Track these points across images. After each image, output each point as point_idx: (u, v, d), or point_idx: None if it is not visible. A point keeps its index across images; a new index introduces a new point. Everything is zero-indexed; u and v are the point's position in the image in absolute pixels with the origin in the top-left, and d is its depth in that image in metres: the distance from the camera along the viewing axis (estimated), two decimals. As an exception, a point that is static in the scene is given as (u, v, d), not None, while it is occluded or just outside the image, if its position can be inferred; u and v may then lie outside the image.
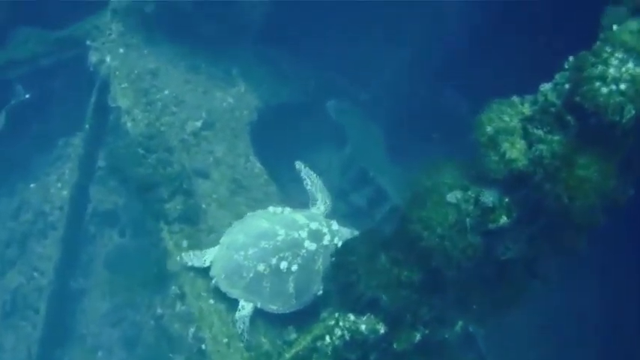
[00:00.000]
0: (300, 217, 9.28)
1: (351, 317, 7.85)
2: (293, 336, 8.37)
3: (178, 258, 9.31)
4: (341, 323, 7.86)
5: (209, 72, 12.35)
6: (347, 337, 7.83)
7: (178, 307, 9.37)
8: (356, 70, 14.11)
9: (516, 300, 8.14)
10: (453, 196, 7.20)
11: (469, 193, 7.19)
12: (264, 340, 8.84)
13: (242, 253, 8.82)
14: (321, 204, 9.79)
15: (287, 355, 8.11)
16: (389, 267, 7.52)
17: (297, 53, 13.69)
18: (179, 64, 12.32)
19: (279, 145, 12.94)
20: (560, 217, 7.10)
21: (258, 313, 8.82)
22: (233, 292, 8.82)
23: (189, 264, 9.19)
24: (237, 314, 8.74)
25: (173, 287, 9.46)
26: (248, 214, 9.63)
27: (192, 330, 9.03)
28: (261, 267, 8.67)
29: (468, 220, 7.15)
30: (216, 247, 9.25)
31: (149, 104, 11.24)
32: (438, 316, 7.95)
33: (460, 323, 8.25)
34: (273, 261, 8.66)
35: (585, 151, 6.78)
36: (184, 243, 9.62)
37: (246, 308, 8.73)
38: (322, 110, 13.86)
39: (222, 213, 10.32)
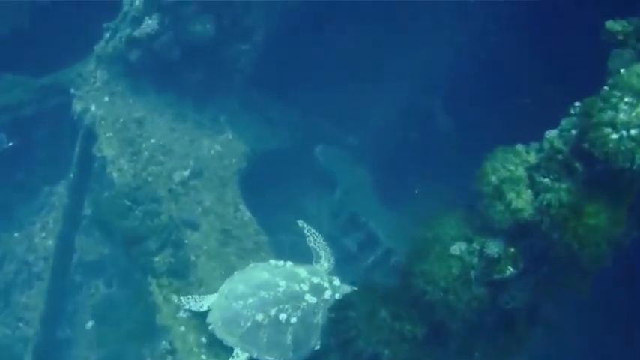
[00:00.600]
0: (302, 270, 8.91)
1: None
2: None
3: (177, 300, 9.01)
4: (342, 381, 7.47)
5: (196, 120, 11.97)
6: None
7: (170, 364, 8.90)
8: (343, 114, 13.80)
9: (520, 347, 7.74)
10: (456, 248, 6.84)
11: (473, 244, 6.83)
12: None
13: (241, 302, 8.44)
14: (325, 261, 9.40)
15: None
16: (390, 322, 7.11)
17: (284, 100, 13.38)
18: (165, 112, 11.92)
19: (269, 193, 12.60)
20: (567, 264, 6.77)
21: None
22: (229, 340, 8.42)
23: (187, 307, 8.91)
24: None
25: (163, 342, 9.01)
26: (250, 264, 9.26)
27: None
28: (259, 316, 8.29)
29: (472, 272, 6.78)
30: (215, 295, 8.89)
31: (135, 154, 10.83)
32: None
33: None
34: (273, 312, 8.29)
35: (594, 199, 6.45)
36: (174, 297, 9.17)
37: (240, 356, 8.37)
38: (310, 156, 13.58)
39: (211, 265, 9.90)
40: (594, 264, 6.60)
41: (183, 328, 8.87)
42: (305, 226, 9.80)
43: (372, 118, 13.68)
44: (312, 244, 9.58)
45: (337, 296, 8.56)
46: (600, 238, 6.39)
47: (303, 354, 8.40)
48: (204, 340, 8.78)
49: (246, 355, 8.36)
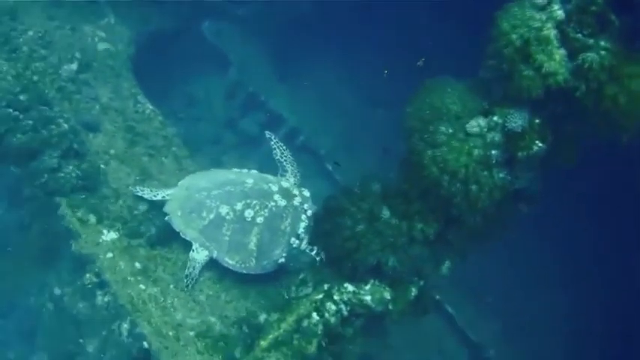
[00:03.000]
0: (269, 176, 7.83)
1: (350, 288, 5.84)
2: (262, 318, 6.29)
3: (135, 188, 7.65)
4: (336, 297, 5.86)
5: (73, 3, 9.48)
6: (345, 312, 5.85)
7: (100, 299, 7.00)
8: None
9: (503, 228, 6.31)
10: (474, 125, 5.22)
11: (495, 118, 5.21)
12: (212, 319, 6.81)
13: (204, 193, 7.30)
14: (291, 176, 8.08)
15: (263, 343, 5.99)
16: (396, 223, 5.48)
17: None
18: (38, -1, 9.47)
19: (161, 78, 10.51)
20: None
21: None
22: (188, 234, 7.21)
23: (139, 194, 7.63)
24: (190, 254, 7.12)
25: (87, 275, 7.05)
26: (211, 169, 8.05)
27: (125, 326, 6.76)
28: (223, 209, 7.18)
29: (494, 153, 5.19)
30: (172, 189, 7.54)
31: (13, 51, 8.37)
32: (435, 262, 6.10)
33: (447, 263, 6.34)
34: (239, 206, 7.21)
35: (634, 59, 4.94)
36: (91, 218, 7.22)
37: (200, 253, 7.13)
38: (198, 33, 11.50)
39: (124, 170, 8.00)
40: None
41: (110, 255, 7.02)
42: (272, 138, 8.54)
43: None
44: (277, 157, 8.33)
45: (307, 206, 7.46)
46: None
47: (266, 265, 7.20)
48: (138, 265, 7.04)
49: (205, 253, 7.18)
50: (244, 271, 7.14)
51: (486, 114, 5.26)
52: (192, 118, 11.81)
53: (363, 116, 13.14)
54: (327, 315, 5.83)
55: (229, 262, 7.10)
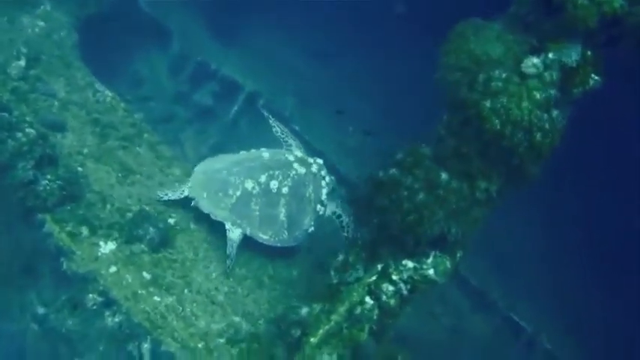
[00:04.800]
0: (280, 150, 7.35)
1: (409, 264, 5.10)
2: (304, 311, 5.49)
3: (158, 194, 7.00)
4: (395, 276, 5.10)
5: (4, -7, 8.34)
6: (405, 291, 5.12)
7: (109, 320, 6.05)
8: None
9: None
10: (530, 65, 4.48)
11: (550, 55, 4.48)
12: (237, 319, 6.08)
13: (225, 172, 6.82)
14: (297, 149, 7.56)
15: (313, 340, 5.21)
16: (457, 186, 4.75)
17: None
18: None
19: (104, 61, 9.48)
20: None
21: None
22: (218, 213, 6.69)
23: (166, 198, 7.00)
24: (227, 235, 6.62)
25: (90, 296, 6.09)
26: (218, 155, 7.33)
27: (146, 346, 5.85)
28: (249, 184, 6.73)
29: (552, 93, 4.49)
30: (188, 179, 7.00)
31: (-49, 53, 7.24)
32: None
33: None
34: (263, 178, 6.78)
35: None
36: (84, 230, 6.28)
37: (234, 232, 6.65)
38: (136, 9, 10.46)
39: (102, 169, 7.03)
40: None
41: (114, 269, 6.09)
42: (270, 117, 7.96)
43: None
44: (279, 134, 7.78)
45: (324, 173, 7.11)
46: None
47: (298, 235, 6.91)
48: (146, 275, 6.17)
49: (239, 231, 6.68)
50: (279, 244, 6.80)
51: (538, 52, 4.55)
52: (141, 98, 10.87)
53: (313, 74, 12.67)
54: (384, 298, 5.10)
55: (263, 237, 6.74)
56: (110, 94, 8.03)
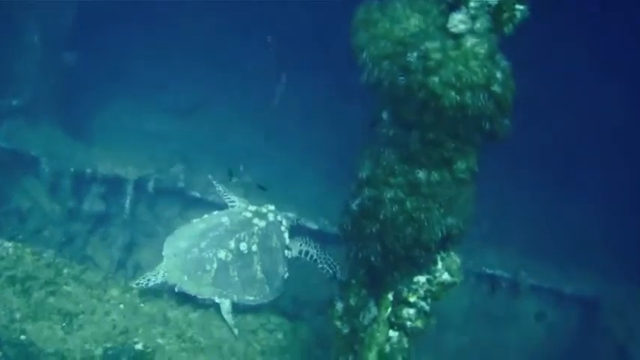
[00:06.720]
0: (232, 209, 7.48)
1: (421, 279, 4.52)
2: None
3: (135, 284, 6.75)
4: (412, 299, 4.52)
5: None
6: (427, 307, 4.54)
7: None
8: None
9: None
10: (456, 22, 3.98)
11: (471, 4, 3.99)
12: None
13: (195, 249, 6.77)
14: (241, 202, 7.62)
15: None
16: (438, 177, 4.19)
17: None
18: None
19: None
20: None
21: None
22: (204, 291, 6.66)
23: (150, 285, 6.72)
24: (221, 309, 6.70)
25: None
26: (175, 230, 7.18)
27: None
28: (222, 254, 6.73)
29: (493, 39, 4.03)
30: (161, 264, 6.80)
31: None
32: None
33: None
34: (232, 244, 6.81)
35: None
36: None
37: (225, 303, 6.69)
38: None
39: (44, 325, 6.14)
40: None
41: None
42: (212, 180, 8.09)
43: None
44: (221, 194, 7.87)
45: (280, 217, 7.26)
46: None
47: (278, 286, 7.02)
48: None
49: (228, 301, 6.73)
50: (265, 301, 6.89)
51: (457, 5, 4.06)
52: (33, 232, 10.02)
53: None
54: (409, 324, 4.52)
55: (249, 299, 6.81)
56: (9, 244, 7.10)
